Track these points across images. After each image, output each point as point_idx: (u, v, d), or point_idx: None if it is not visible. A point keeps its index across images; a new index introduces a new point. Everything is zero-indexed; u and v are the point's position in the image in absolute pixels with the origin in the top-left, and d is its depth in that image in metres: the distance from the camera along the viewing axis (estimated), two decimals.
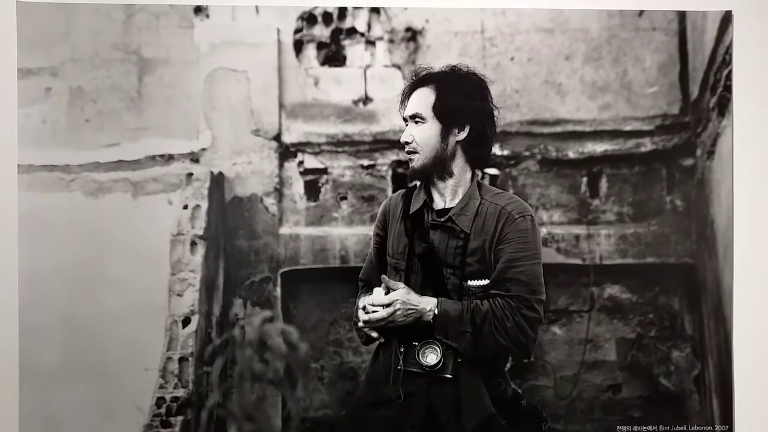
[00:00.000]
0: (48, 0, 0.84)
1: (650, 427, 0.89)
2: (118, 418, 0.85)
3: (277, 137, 0.83)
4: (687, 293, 0.86)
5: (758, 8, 0.87)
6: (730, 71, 0.87)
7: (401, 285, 0.89)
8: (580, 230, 0.85)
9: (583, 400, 0.85)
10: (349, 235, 0.84)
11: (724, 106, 0.86)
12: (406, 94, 0.88)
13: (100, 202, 0.84)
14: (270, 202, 0.83)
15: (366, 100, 0.84)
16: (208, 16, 0.84)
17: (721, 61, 0.86)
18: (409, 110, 0.88)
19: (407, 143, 0.89)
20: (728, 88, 0.87)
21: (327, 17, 0.84)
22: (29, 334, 0.84)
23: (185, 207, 0.84)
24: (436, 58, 0.86)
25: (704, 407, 0.86)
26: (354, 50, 0.84)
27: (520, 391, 0.88)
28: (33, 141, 0.84)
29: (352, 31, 0.84)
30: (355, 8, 0.84)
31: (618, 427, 0.88)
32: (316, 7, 0.84)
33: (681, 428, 0.89)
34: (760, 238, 0.88)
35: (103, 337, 0.85)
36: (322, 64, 0.84)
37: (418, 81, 0.88)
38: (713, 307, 0.86)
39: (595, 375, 0.85)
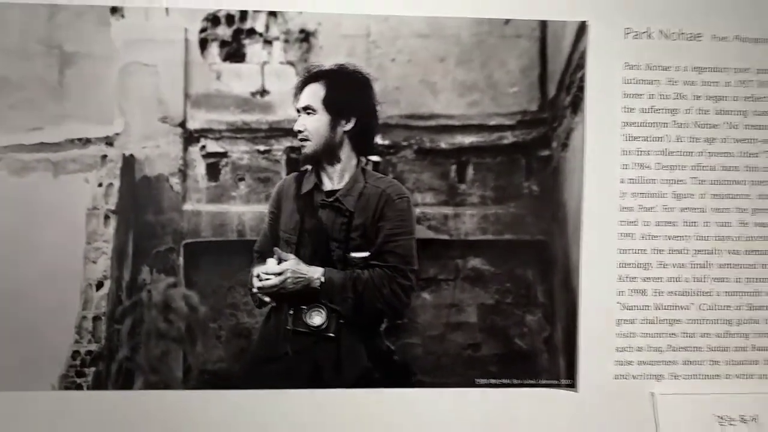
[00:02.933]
0: None
1: (505, 381, 1.05)
2: (38, 369, 0.99)
3: (182, 124, 0.98)
4: (540, 266, 1.03)
5: (609, 19, 1.04)
6: (583, 74, 1.03)
7: (292, 256, 1.04)
8: (448, 210, 1.01)
9: (448, 356, 1.02)
10: (246, 212, 0.98)
11: (577, 104, 1.02)
12: (299, 88, 1.02)
13: (24, 180, 0.98)
14: (175, 181, 0.97)
15: (263, 92, 0.98)
16: (123, 16, 0.97)
17: (575, 65, 1.02)
18: (302, 102, 1.02)
19: (300, 132, 1.03)
20: (581, 89, 1.03)
21: (229, 19, 0.98)
22: None
23: (100, 185, 0.97)
24: (327, 57, 1.01)
25: (552, 364, 1.03)
26: (253, 48, 0.99)
27: (393, 348, 1.04)
28: None
29: (251, 32, 0.98)
30: (255, 11, 0.99)
31: (476, 379, 1.05)
32: (219, 10, 0.99)
33: (531, 381, 1.06)
34: (604, 220, 1.05)
35: (25, 299, 1.01)
36: (224, 60, 0.98)
37: (310, 77, 1.03)
38: (562, 279, 1.02)
39: (459, 335, 1.01)
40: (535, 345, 1.10)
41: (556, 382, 1.10)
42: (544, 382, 1.10)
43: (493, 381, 1.09)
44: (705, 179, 1.09)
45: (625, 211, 1.09)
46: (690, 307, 1.10)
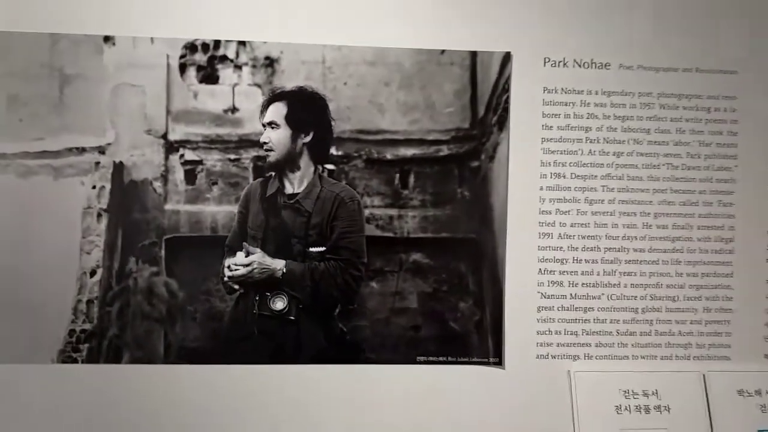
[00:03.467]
0: None
1: (441, 358, 1.21)
2: (39, 345, 1.15)
3: (164, 136, 1.14)
4: (471, 260, 1.19)
5: (530, 50, 1.22)
6: (508, 97, 1.20)
7: (258, 250, 1.21)
8: (393, 212, 1.18)
9: (392, 337, 1.18)
10: (219, 211, 1.15)
11: (502, 122, 1.19)
12: (265, 106, 1.20)
13: (29, 182, 1.15)
14: (157, 185, 1.14)
15: (234, 110, 1.15)
16: (114, 44, 1.14)
17: (501, 89, 1.19)
18: (267, 118, 1.20)
19: (265, 143, 1.21)
20: (506, 110, 1.20)
21: (205, 47, 1.15)
22: None
23: (93, 187, 1.14)
24: (288, 80, 1.18)
25: (482, 344, 1.20)
26: (225, 72, 1.16)
27: (346, 330, 1.21)
28: None
29: (223, 58, 1.15)
30: (227, 41, 1.15)
31: (417, 357, 1.21)
32: (197, 39, 1.16)
33: (464, 359, 1.23)
34: (526, 221, 1.22)
35: (29, 284, 1.18)
36: (200, 82, 1.15)
37: (274, 97, 1.20)
38: (490, 271, 1.19)
39: (402, 318, 1.18)
40: (467, 328, 1.27)
41: (485, 360, 1.27)
42: (475, 360, 1.27)
43: (431, 358, 1.27)
44: (613, 187, 1.28)
45: (544, 214, 1.27)
46: (601, 297, 1.28)
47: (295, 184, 1.25)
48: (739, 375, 1.29)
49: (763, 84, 1.30)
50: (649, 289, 1.29)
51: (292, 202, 1.24)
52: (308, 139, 1.24)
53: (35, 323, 1.20)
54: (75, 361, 1.21)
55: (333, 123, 1.24)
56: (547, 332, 1.28)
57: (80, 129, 1.20)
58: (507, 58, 1.25)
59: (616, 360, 1.28)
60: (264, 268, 1.22)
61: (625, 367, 1.28)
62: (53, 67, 1.20)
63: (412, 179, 1.26)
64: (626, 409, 1.25)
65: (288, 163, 1.24)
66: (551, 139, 1.27)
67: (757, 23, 1.30)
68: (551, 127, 1.27)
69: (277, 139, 1.23)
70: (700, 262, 1.29)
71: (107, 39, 1.20)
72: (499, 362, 1.27)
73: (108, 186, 1.21)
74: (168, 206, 1.22)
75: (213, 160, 1.22)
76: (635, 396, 1.26)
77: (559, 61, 1.27)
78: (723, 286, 1.30)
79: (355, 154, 1.25)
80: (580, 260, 1.28)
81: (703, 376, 1.28)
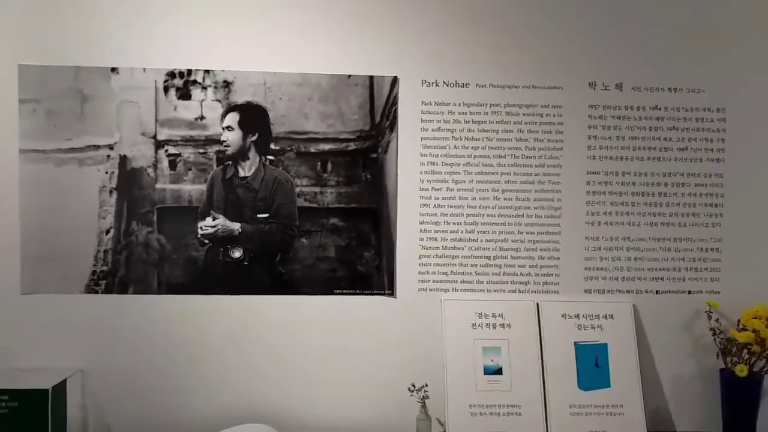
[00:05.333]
0: (32, 63, 1.61)
1: (352, 291, 1.73)
2: (72, 281, 1.68)
3: (154, 137, 1.65)
4: (373, 223, 1.71)
5: (412, 75, 1.71)
6: (396, 108, 1.70)
7: (221, 216, 1.71)
8: (316, 189, 1.70)
9: (317, 276, 1.71)
10: (193, 189, 1.67)
11: (393, 126, 1.70)
12: (223, 115, 1.71)
13: (62, 169, 1.66)
14: (150, 171, 1.65)
15: (202, 118, 1.66)
16: (118, 73, 1.65)
17: (392, 102, 1.70)
18: (225, 123, 1.72)
19: (224, 141, 1.72)
20: (395, 117, 1.72)
21: (181, 74, 1.65)
22: (28, 239, 1.66)
23: (106, 173, 1.66)
24: (240, 96, 1.68)
25: (380, 281, 1.73)
26: (195, 91, 1.66)
27: (284, 272, 1.72)
28: (28, 135, 1.67)
29: (194, 82, 1.66)
30: (196, 70, 1.64)
31: (335, 290, 1.73)
32: (175, 69, 1.64)
33: (368, 292, 1.75)
34: (410, 196, 1.74)
35: (63, 240, 1.67)
36: (179, 98, 1.66)
37: (230, 108, 1.72)
38: (386, 230, 1.72)
39: (324, 263, 1.70)
40: (370, 270, 1.81)
41: (383, 292, 1.80)
42: (376, 292, 1.80)
43: (345, 291, 1.78)
44: (472, 171, 1.80)
45: (423, 190, 1.80)
46: (464, 249, 1.82)
47: (246, 169, 1.78)
48: (563, 304, 1.82)
49: (581, 96, 1.81)
50: (499, 243, 1.82)
51: (244, 182, 1.77)
52: (255, 138, 1.77)
53: (68, 266, 1.72)
54: (96, 292, 1.74)
55: (272, 126, 1.76)
56: (426, 273, 1.81)
57: (96, 132, 1.71)
58: (395, 80, 1.77)
59: (474, 293, 1.81)
60: (226, 229, 1.76)
61: (480, 297, 1.82)
62: (76, 90, 1.71)
63: (329, 166, 1.78)
64: (479, 326, 1.79)
65: (241, 155, 1.77)
66: (427, 138, 1.78)
67: (579, 47, 1.81)
68: (427, 129, 1.78)
69: (233, 138, 1.76)
70: (536, 224, 1.82)
71: (113, 69, 1.72)
72: (392, 294, 1.80)
73: (116, 172, 1.73)
74: (158, 185, 1.74)
75: (188, 153, 1.75)
76: (486, 317, 1.80)
77: (432, 82, 1.78)
78: (553, 241, 1.83)
79: (288, 149, 1.77)
80: (449, 223, 1.80)
81: (537, 304, 1.81)
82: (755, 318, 1.72)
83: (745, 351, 1.73)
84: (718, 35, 1.80)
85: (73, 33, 1.69)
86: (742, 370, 1.71)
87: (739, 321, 1.77)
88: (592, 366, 1.75)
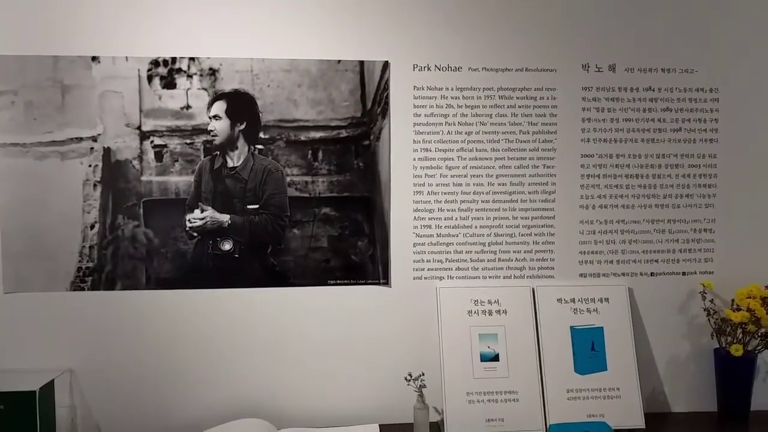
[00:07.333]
0: (8, 54, 1.55)
1: (346, 281, 1.71)
2: (57, 278, 1.63)
3: (139, 127, 1.61)
4: (366, 211, 1.69)
5: (403, 59, 1.68)
6: (388, 93, 1.67)
7: (209, 208, 1.68)
8: (308, 178, 1.66)
9: (309, 267, 1.68)
10: (180, 181, 1.63)
11: (385, 112, 1.67)
12: (210, 104, 1.67)
13: (43, 163, 1.61)
14: (136, 163, 1.61)
15: (188, 107, 1.62)
16: (99, 62, 1.60)
17: (383, 88, 1.67)
18: (212, 112, 1.68)
19: (211, 131, 1.69)
20: (387, 103, 1.69)
21: (165, 62, 1.61)
22: (9, 236, 1.58)
23: (90, 166, 1.61)
24: (227, 84, 1.64)
25: (375, 271, 1.71)
26: (181, 80, 1.62)
27: (276, 263, 1.70)
28: (6, 129, 1.62)
29: (179, 70, 1.61)
30: (180, 57, 1.60)
31: (328, 281, 1.70)
32: (159, 57, 1.60)
33: (362, 281, 1.72)
34: (404, 182, 1.72)
35: (47, 236, 1.63)
36: (163, 88, 1.61)
37: (217, 97, 1.68)
38: (380, 219, 1.70)
39: (317, 254, 1.67)
40: (363, 259, 1.79)
41: (377, 281, 1.79)
42: (370, 281, 1.78)
43: (338, 281, 1.77)
44: (466, 157, 1.79)
45: (416, 177, 1.78)
46: (458, 235, 1.81)
47: (235, 159, 1.74)
48: (559, 288, 1.83)
49: (575, 78, 1.80)
50: (494, 229, 1.81)
51: (233, 172, 1.73)
52: (243, 126, 1.73)
53: (53, 263, 1.68)
54: (82, 289, 1.69)
55: (261, 115, 1.72)
56: (421, 261, 1.79)
57: (78, 124, 1.65)
58: (386, 65, 1.74)
59: (469, 279, 1.81)
60: (214, 221, 1.72)
61: (476, 284, 1.81)
62: (56, 80, 1.65)
63: (320, 154, 1.75)
64: (475, 312, 1.79)
65: (229, 144, 1.73)
66: (420, 123, 1.76)
67: (574, 32, 1.79)
68: (420, 114, 1.76)
69: (220, 127, 1.72)
70: (530, 209, 1.82)
71: (94, 58, 1.67)
72: (387, 283, 1.78)
73: (100, 164, 1.68)
74: (144, 178, 1.70)
75: (174, 143, 1.71)
76: (482, 303, 1.79)
77: (424, 67, 1.75)
78: (548, 226, 1.83)
79: (278, 137, 1.73)
80: (443, 209, 1.79)
81: (532, 289, 1.81)
82: (749, 297, 1.73)
83: (740, 330, 1.75)
84: (710, 15, 1.80)
85: (51, 21, 1.63)
86: (737, 350, 1.73)
87: (733, 301, 1.78)
88: (588, 350, 1.75)
